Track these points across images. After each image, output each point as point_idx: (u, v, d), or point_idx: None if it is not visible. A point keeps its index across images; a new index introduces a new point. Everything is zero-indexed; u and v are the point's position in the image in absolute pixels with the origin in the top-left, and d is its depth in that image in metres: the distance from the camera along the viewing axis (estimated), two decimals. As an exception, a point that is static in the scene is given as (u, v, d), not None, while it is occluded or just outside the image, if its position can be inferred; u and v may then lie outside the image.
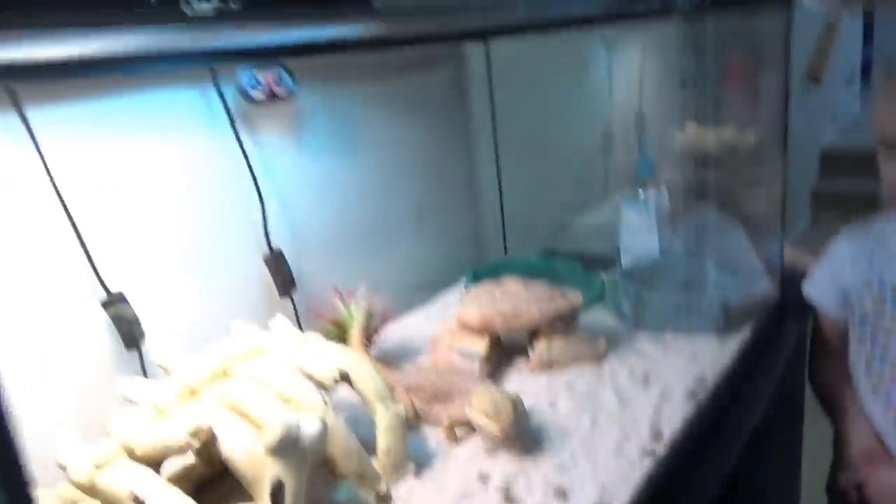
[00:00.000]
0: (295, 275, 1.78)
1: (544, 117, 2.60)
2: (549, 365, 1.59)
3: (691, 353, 1.63)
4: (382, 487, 1.20)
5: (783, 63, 1.97)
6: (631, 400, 1.44)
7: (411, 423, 1.43)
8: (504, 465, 1.23)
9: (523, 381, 1.56)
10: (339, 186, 1.95)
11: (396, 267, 2.12)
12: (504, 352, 1.70)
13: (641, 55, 3.14)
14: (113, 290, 1.40)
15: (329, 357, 1.31)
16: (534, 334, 1.63)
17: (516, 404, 1.24)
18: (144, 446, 1.07)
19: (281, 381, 1.21)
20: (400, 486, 1.21)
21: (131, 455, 1.08)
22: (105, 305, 1.39)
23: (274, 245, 1.73)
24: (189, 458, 1.09)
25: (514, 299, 1.63)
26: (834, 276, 1.94)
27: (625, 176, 2.63)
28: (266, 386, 1.19)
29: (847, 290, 1.85)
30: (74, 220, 1.33)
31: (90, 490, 1.04)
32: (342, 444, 1.18)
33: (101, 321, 1.39)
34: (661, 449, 1.26)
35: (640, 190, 2.20)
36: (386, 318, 1.77)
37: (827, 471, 2.04)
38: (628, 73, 3.14)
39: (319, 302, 1.74)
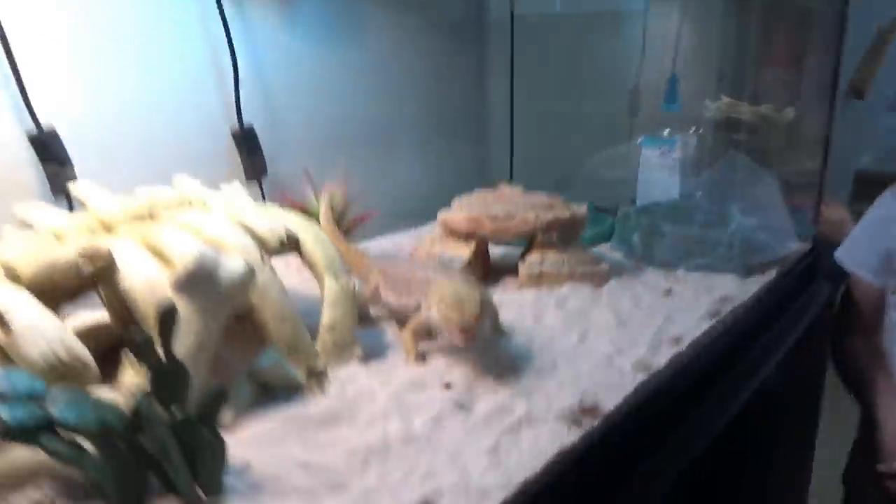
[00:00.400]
0: (269, 163, 1.59)
1: (568, 60, 2.38)
2: (539, 279, 1.37)
3: (703, 288, 1.40)
4: (318, 364, 0.99)
5: (835, 48, 1.76)
6: (630, 321, 1.23)
7: (374, 316, 1.23)
8: (465, 367, 1.02)
9: (508, 296, 1.35)
10: (333, 80, 1.75)
11: (389, 182, 1.92)
12: (494, 269, 1.49)
13: (680, 16, 2.92)
14: (45, 125, 1.21)
15: (279, 219, 1.11)
16: (529, 248, 1.42)
17: (485, 301, 1.00)
18: (26, 264, 0.87)
19: (215, 229, 1.01)
20: (341, 370, 1.00)
21: (13, 278, 0.88)
22: (33, 140, 1.20)
23: (246, 123, 1.53)
24: (81, 278, 0.88)
25: (508, 204, 1.42)
26: (875, 238, 1.71)
27: (648, 122, 2.41)
28: (195, 233, 0.99)
29: (891, 252, 1.62)
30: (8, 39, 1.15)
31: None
32: (275, 306, 0.98)
33: (27, 159, 1.20)
34: (659, 363, 1.05)
35: (666, 131, 1.99)
36: (365, 216, 1.57)
37: (844, 458, 1.80)
38: (664, 33, 2.92)
39: (289, 189, 1.55)
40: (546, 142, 2.38)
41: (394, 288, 1.18)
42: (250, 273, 0.89)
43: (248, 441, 0.82)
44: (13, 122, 1.20)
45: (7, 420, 0.64)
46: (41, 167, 1.21)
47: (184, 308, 0.85)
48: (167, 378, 0.73)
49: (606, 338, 1.15)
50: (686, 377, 1.06)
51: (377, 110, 1.88)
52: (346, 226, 1.49)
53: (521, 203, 1.42)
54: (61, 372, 0.78)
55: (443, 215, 1.46)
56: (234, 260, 0.89)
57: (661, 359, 1.06)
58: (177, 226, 1.00)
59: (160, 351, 0.72)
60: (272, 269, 1.02)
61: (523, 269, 1.38)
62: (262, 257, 1.01)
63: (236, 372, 0.94)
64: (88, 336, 0.96)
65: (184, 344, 0.83)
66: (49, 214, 1.00)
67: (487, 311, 1.00)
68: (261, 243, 1.04)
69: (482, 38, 2.20)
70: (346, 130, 1.80)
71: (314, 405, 0.92)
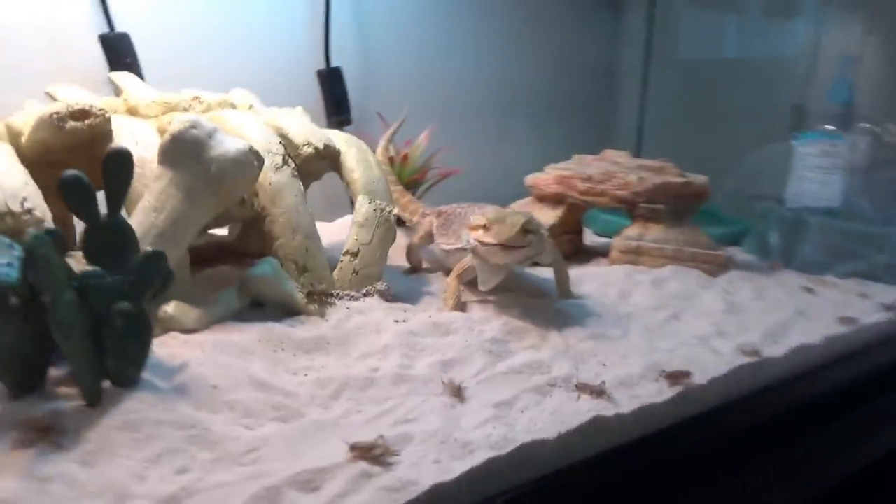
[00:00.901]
0: (357, 110, 1.47)
1: (720, 42, 2.07)
2: (635, 256, 1.11)
3: (855, 294, 1.06)
4: (328, 287, 0.81)
5: None
6: (745, 310, 0.93)
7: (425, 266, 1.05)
8: (507, 318, 0.80)
9: (592, 269, 1.10)
10: (442, 38, 1.61)
11: (495, 154, 1.73)
12: (590, 252, 1.24)
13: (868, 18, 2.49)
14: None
15: (323, 132, 0.96)
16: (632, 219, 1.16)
17: (535, 228, 0.81)
18: (24, 123, 0.78)
19: (238, 123, 0.88)
20: (356, 302, 0.82)
21: (14, 136, 0.79)
22: (102, 40, 1.16)
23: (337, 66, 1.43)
24: (74, 137, 0.77)
25: (610, 165, 1.18)
26: None
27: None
28: (218, 122, 0.86)
29: None
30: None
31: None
32: (288, 215, 0.82)
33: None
34: (774, 353, 0.76)
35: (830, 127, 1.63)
36: (449, 171, 1.39)
37: None
38: (845, 33, 2.50)
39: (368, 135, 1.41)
40: (682, 129, 2.06)
41: (447, 233, 0.98)
42: (248, 157, 0.74)
43: (205, 345, 0.66)
44: (91, 23, 1.16)
45: None
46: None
47: (166, 179, 0.71)
48: (103, 236, 0.59)
49: (706, 321, 0.87)
50: (815, 380, 0.76)
51: (488, 71, 1.70)
52: (415, 175, 1.33)
53: (625, 165, 1.17)
54: (10, 224, 0.66)
55: (531, 177, 1.25)
56: (232, 139, 0.75)
57: (779, 350, 0.77)
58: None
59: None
60: (296, 176, 0.86)
61: (617, 240, 1.13)
62: (285, 159, 0.86)
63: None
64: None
65: (158, 217, 0.69)
66: (75, 92, 0.92)
67: (539, 242, 0.81)
68: (293, 148, 0.90)
69: (617, 14, 1.97)
70: (454, 94, 1.64)
71: (304, 328, 0.74)
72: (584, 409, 0.58)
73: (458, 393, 0.61)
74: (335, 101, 1.42)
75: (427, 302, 0.89)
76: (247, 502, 0.45)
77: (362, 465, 0.49)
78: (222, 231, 1.09)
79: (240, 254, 1.02)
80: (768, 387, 0.71)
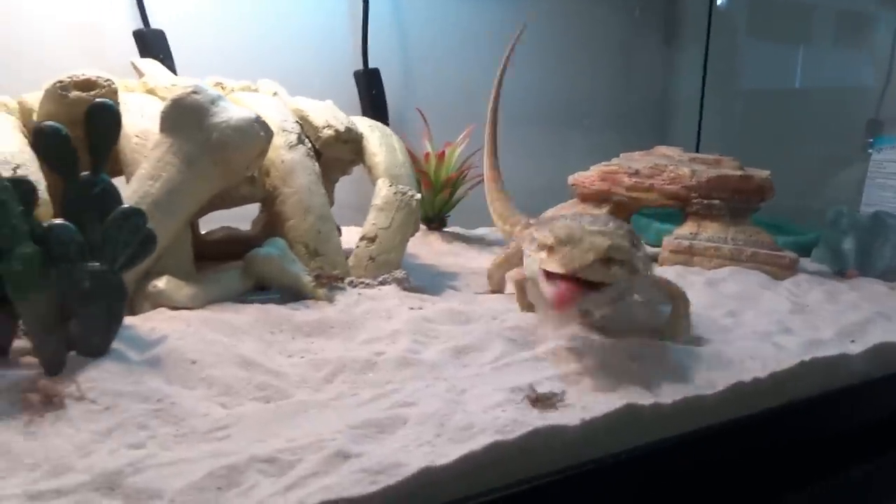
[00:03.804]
0: (395, 112, 1.42)
1: (779, 71, 1.94)
2: (688, 256, 1.00)
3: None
4: (337, 273, 0.75)
5: None
6: (816, 311, 0.82)
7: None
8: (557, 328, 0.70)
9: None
10: (484, 42, 1.56)
11: (542, 158, 1.65)
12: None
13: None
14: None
15: (346, 117, 0.91)
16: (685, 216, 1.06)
17: (627, 253, 0.56)
18: (35, 98, 0.75)
19: (255, 103, 0.83)
20: (371, 290, 0.75)
21: (26, 112, 0.77)
22: (136, 35, 1.15)
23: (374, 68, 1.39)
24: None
25: (659, 159, 1.09)
26: None
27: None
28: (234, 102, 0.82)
29: None
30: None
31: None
32: (300, 195, 0.77)
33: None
34: (851, 350, 0.64)
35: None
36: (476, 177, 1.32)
37: None
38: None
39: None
40: (743, 141, 1.94)
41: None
42: (252, 126, 0.69)
43: (191, 320, 0.60)
44: (126, 19, 1.16)
45: None
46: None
47: (164, 147, 0.66)
48: (85, 195, 0.54)
49: (769, 319, 0.76)
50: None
51: (536, 85, 1.64)
52: (450, 175, 1.26)
53: (676, 159, 1.08)
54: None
55: (574, 176, 1.16)
56: (238, 108, 0.70)
57: (857, 347, 0.65)
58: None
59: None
60: (312, 156, 0.81)
61: (667, 241, 1.03)
62: (300, 137, 0.81)
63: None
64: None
65: (153, 185, 0.64)
66: (156, 67, 0.90)
67: (627, 275, 0.56)
68: (313, 130, 0.85)
69: (672, 13, 1.88)
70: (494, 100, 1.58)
71: (308, 311, 0.67)
72: (616, 398, 0.49)
73: (472, 382, 0.53)
74: (372, 102, 1.38)
75: (450, 295, 0.81)
76: (200, 480, 0.38)
77: (340, 445, 0.41)
78: (244, 226, 1.05)
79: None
80: (847, 388, 0.60)
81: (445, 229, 1.30)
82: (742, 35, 1.89)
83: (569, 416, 0.46)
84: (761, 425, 0.53)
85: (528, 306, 0.71)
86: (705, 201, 1.02)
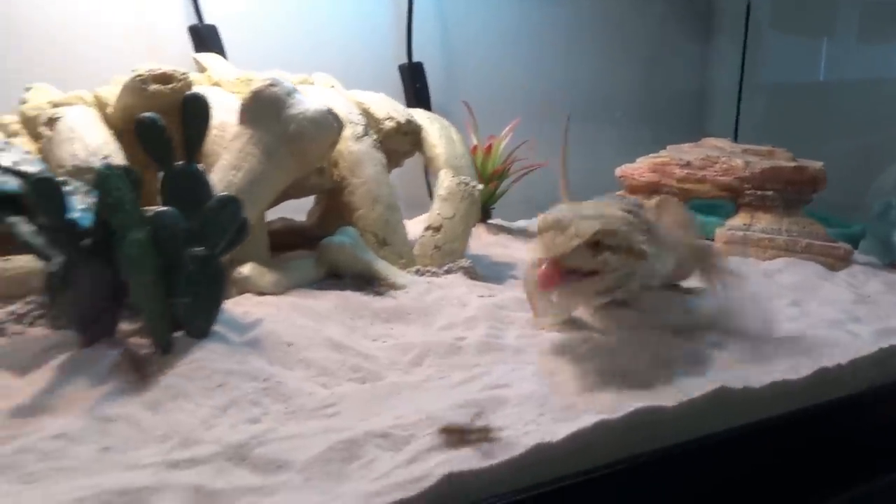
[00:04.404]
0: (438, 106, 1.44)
1: (822, 45, 1.92)
2: (741, 247, 1.01)
3: None
4: (405, 262, 0.76)
5: None
6: (880, 301, 0.82)
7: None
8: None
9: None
10: (529, 37, 1.57)
11: (581, 151, 1.65)
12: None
13: None
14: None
15: (405, 109, 0.92)
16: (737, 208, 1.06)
17: (624, 237, 0.53)
18: (111, 93, 0.78)
19: (318, 95, 0.85)
20: (442, 277, 0.76)
21: (101, 106, 0.79)
22: (191, 30, 1.17)
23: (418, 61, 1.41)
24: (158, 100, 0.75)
25: (711, 151, 1.09)
26: None
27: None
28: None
29: None
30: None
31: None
32: (368, 185, 0.78)
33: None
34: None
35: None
36: (534, 165, 1.33)
37: None
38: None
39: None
40: (780, 134, 1.92)
41: None
42: (327, 117, 0.71)
43: (280, 305, 0.62)
44: (181, 15, 1.18)
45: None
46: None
47: (244, 138, 0.68)
48: (179, 183, 0.56)
49: (835, 308, 0.76)
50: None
51: (573, 73, 1.64)
52: (496, 167, 1.27)
53: (728, 150, 1.08)
54: (87, 178, 0.65)
55: (621, 168, 1.17)
56: (311, 100, 0.71)
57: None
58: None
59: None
60: (378, 147, 0.82)
61: (720, 233, 1.03)
62: (366, 129, 0.82)
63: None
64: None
65: (236, 175, 0.66)
66: (217, 60, 0.94)
67: (627, 262, 0.53)
68: (374, 122, 0.86)
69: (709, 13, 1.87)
70: (536, 96, 1.58)
71: (383, 299, 0.69)
72: (708, 380, 0.50)
73: (554, 364, 0.54)
74: (416, 96, 1.39)
75: (513, 284, 0.83)
76: (322, 453, 0.40)
77: (449, 422, 0.43)
78: (300, 217, 1.07)
79: (318, 239, 0.99)
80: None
81: (490, 221, 1.31)
82: (781, 26, 1.87)
83: (664, 396, 0.47)
84: (848, 409, 0.54)
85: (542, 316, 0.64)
86: (759, 192, 1.02)
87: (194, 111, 0.57)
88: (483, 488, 0.37)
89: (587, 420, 0.43)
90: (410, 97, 1.39)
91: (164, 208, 0.51)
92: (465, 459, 0.39)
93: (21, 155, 0.54)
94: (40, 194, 0.48)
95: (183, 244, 0.51)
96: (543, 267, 0.49)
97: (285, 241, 0.96)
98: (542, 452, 0.40)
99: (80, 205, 0.54)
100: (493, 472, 0.38)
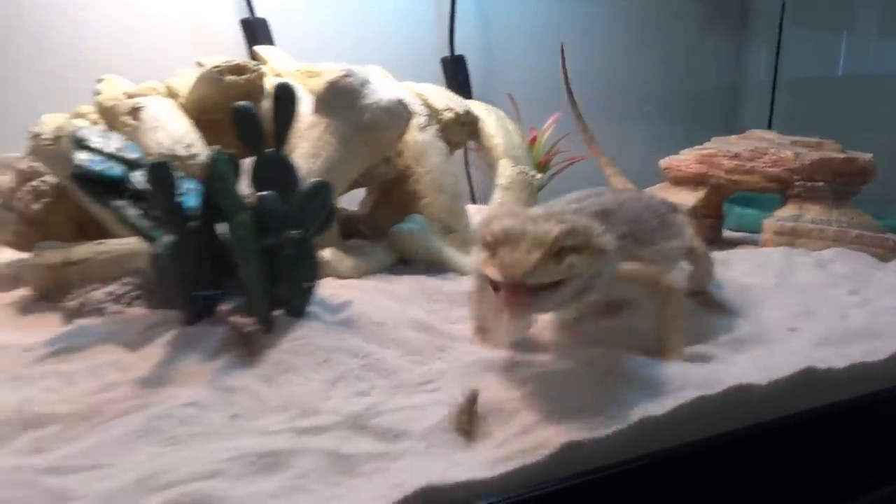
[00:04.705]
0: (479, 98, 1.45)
1: (860, 39, 1.91)
2: (791, 237, 1.02)
3: None
4: (467, 248, 0.78)
5: None
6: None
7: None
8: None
9: (740, 252, 1.02)
10: (570, 31, 1.58)
11: (615, 144, 1.67)
12: (733, 242, 1.16)
13: None
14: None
15: (463, 101, 0.94)
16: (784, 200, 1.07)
17: (586, 236, 0.46)
18: (183, 84, 0.80)
19: (381, 85, 0.87)
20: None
21: (172, 96, 0.82)
22: (243, 23, 1.20)
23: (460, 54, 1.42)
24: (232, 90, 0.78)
25: (759, 142, 1.10)
26: None
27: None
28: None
29: None
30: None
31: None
32: (433, 174, 0.80)
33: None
34: None
35: None
36: (575, 158, 1.34)
37: None
38: None
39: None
40: (814, 128, 1.91)
41: None
42: (399, 107, 0.73)
43: (364, 288, 0.64)
44: (232, 9, 1.21)
45: (82, 165, 0.53)
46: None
47: (321, 127, 0.71)
48: (271, 166, 0.58)
49: (892, 296, 0.77)
50: None
51: (615, 73, 1.65)
52: (539, 159, 1.28)
53: (776, 142, 1.09)
54: (176, 167, 0.67)
55: (666, 160, 1.18)
56: (383, 90, 0.73)
57: None
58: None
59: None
60: (440, 136, 0.84)
61: (768, 223, 1.04)
62: (429, 119, 0.84)
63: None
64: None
65: (315, 162, 0.69)
66: (278, 53, 0.96)
67: (592, 262, 0.46)
68: (433, 113, 0.88)
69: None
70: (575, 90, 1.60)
71: (455, 283, 0.71)
72: (796, 360, 0.51)
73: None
74: (458, 88, 1.41)
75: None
76: (438, 423, 0.42)
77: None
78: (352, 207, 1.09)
79: (372, 228, 1.01)
80: None
81: (533, 211, 1.33)
82: (815, 21, 1.87)
83: (756, 374, 0.48)
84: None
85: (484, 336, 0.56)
86: (808, 184, 1.03)
87: (286, 98, 0.59)
88: (600, 455, 0.39)
89: (688, 394, 0.44)
90: (453, 90, 1.40)
91: (266, 192, 0.53)
92: (580, 429, 0.41)
93: (122, 142, 0.56)
94: (157, 178, 0.50)
95: (283, 227, 0.53)
96: (503, 291, 0.42)
97: (342, 230, 0.98)
98: (646, 425, 0.42)
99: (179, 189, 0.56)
100: (607, 441, 0.40)
